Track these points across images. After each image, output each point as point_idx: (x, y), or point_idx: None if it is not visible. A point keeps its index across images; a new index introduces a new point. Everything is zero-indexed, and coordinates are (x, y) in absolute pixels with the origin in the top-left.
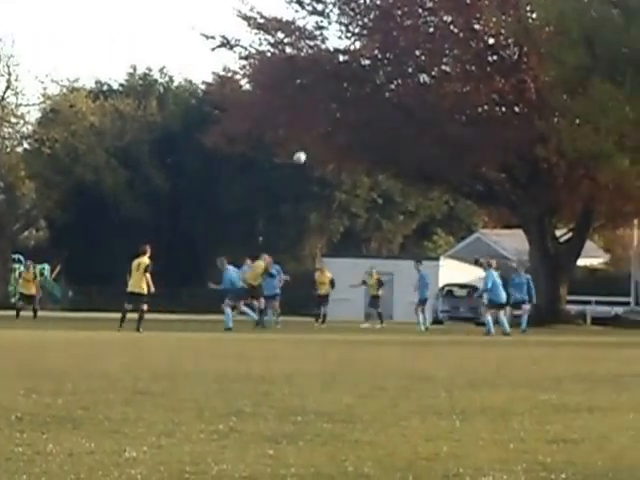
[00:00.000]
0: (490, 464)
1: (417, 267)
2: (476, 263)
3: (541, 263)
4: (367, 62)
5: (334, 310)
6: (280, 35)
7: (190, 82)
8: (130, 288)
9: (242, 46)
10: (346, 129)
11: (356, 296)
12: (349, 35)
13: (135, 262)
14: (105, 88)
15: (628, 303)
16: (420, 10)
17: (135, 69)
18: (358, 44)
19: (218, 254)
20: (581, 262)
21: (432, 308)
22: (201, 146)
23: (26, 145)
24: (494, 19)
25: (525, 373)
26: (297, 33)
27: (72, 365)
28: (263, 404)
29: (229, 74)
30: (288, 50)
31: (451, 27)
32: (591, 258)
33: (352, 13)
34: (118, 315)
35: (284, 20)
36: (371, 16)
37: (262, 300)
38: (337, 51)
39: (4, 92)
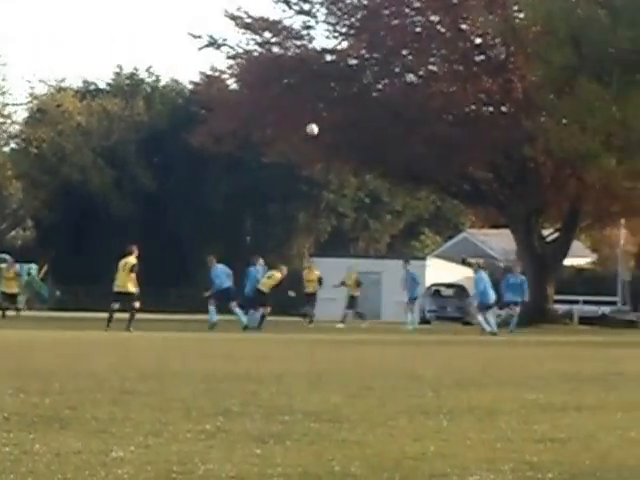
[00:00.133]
0: (477, 463)
1: (405, 266)
2: (463, 263)
3: (528, 263)
4: (354, 62)
5: (320, 310)
6: (267, 35)
7: (177, 82)
8: (116, 288)
9: (229, 46)
10: (333, 129)
11: (342, 296)
12: (336, 35)
13: (122, 262)
14: (92, 88)
15: (615, 303)
16: (407, 10)
17: (122, 69)
18: (345, 44)
19: (205, 254)
20: (568, 262)
21: (419, 308)
22: (188, 146)
23: (13, 145)
24: (481, 19)
25: (512, 372)
26: (284, 33)
27: (59, 365)
28: (251, 404)
29: (216, 74)
30: (275, 50)
31: (438, 27)
32: (578, 258)
33: (339, 13)
34: (106, 315)
35: (271, 20)
36: (358, 16)
37: (268, 308)
38: (324, 51)
39: None
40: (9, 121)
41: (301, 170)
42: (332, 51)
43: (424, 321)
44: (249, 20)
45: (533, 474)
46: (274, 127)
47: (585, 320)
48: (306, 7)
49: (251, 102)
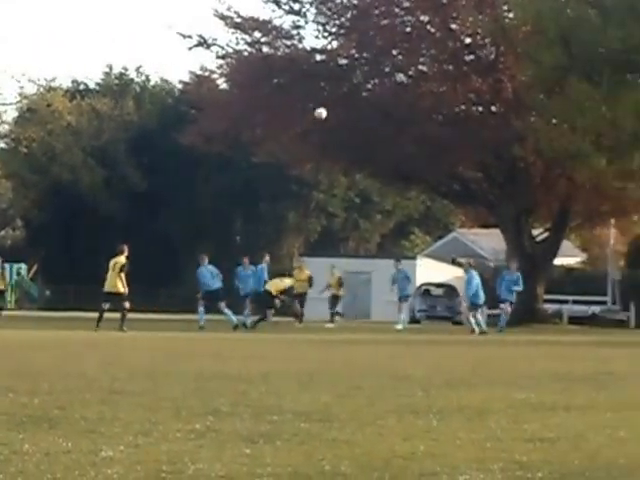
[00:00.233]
0: (467, 463)
1: (397, 265)
2: (453, 262)
3: (518, 262)
4: (344, 62)
5: (310, 309)
6: (257, 34)
7: (166, 81)
8: (106, 288)
9: (219, 45)
10: (323, 129)
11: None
12: (326, 35)
13: (112, 261)
14: (82, 87)
15: (605, 302)
16: (397, 10)
17: (111, 68)
18: (335, 44)
19: (195, 253)
20: (558, 261)
21: (409, 307)
22: (178, 145)
23: (3, 144)
24: (471, 19)
25: (502, 372)
26: (274, 32)
27: (48, 364)
28: (240, 403)
29: (206, 73)
30: (265, 49)
31: (428, 27)
32: (568, 257)
33: (329, 13)
34: (95, 315)
35: (261, 19)
36: (348, 16)
37: (273, 311)
38: (314, 50)
39: None
40: None
41: (291, 170)
42: (322, 51)
43: (414, 320)
44: (239, 20)
45: (523, 473)
46: (264, 127)
47: (575, 320)
48: (296, 7)
49: (241, 102)
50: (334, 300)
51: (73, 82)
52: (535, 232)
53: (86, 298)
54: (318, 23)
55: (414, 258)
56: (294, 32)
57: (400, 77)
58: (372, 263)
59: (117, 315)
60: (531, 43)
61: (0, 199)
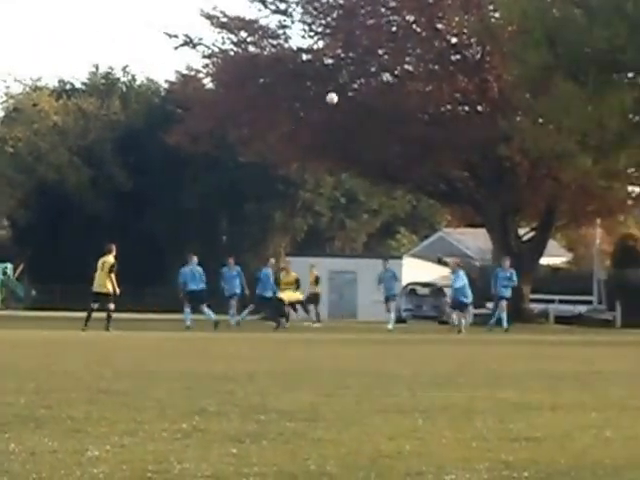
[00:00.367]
0: (453, 462)
1: (385, 265)
2: (439, 262)
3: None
4: (330, 61)
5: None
6: (243, 34)
7: (152, 81)
8: (95, 288)
9: (205, 45)
10: (309, 128)
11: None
12: (312, 34)
13: (100, 261)
14: (68, 87)
15: (591, 302)
16: (383, 9)
17: (97, 68)
18: (321, 43)
19: (181, 253)
20: (544, 261)
21: (395, 307)
22: (164, 145)
23: None
24: (457, 18)
25: (488, 372)
26: (260, 32)
27: (35, 364)
28: (226, 403)
29: (192, 73)
30: (251, 49)
31: (414, 26)
32: (554, 257)
33: (315, 12)
34: (81, 314)
35: (247, 19)
36: (334, 15)
37: (283, 320)
38: (300, 50)
39: None
40: None
41: (277, 169)
42: (308, 50)
43: (400, 320)
44: (225, 19)
45: (509, 473)
46: (250, 126)
47: (561, 319)
48: (282, 6)
49: (227, 101)
50: (314, 298)
51: (59, 82)
52: (521, 232)
53: (72, 298)
54: (304, 23)
55: (400, 258)
56: (280, 32)
57: (386, 77)
58: (358, 263)
59: (103, 315)
60: (517, 43)
61: None
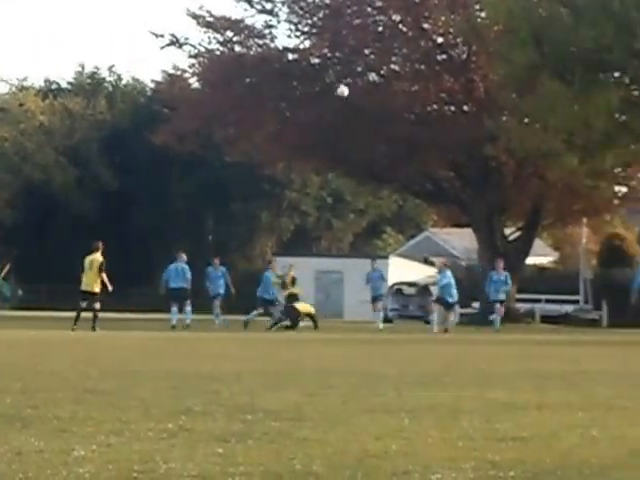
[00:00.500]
0: (439, 462)
1: (373, 265)
2: (425, 262)
3: (490, 262)
4: (316, 61)
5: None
6: (229, 34)
7: (138, 81)
8: (84, 287)
9: (191, 45)
10: (295, 128)
11: (306, 295)
12: (298, 34)
13: (88, 259)
14: (54, 87)
15: (577, 301)
16: (369, 9)
17: (83, 67)
18: (307, 43)
19: (168, 253)
20: (530, 260)
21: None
22: (150, 144)
23: None
24: (443, 18)
25: (474, 371)
26: (246, 32)
27: (21, 364)
28: (212, 403)
29: (178, 73)
30: (237, 49)
31: (400, 26)
32: (540, 256)
33: (301, 12)
34: (68, 314)
35: (233, 19)
36: (320, 15)
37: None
38: (286, 50)
39: None
40: None
41: (263, 169)
42: (294, 50)
43: (386, 320)
44: (211, 19)
45: (495, 473)
46: (236, 126)
47: (547, 319)
48: (268, 6)
49: (213, 101)
50: (292, 298)
51: (45, 81)
52: (507, 231)
53: (59, 297)
54: (290, 22)
55: (386, 257)
56: (266, 31)
57: (372, 76)
58: (345, 262)
59: (89, 315)
60: (503, 42)
61: None
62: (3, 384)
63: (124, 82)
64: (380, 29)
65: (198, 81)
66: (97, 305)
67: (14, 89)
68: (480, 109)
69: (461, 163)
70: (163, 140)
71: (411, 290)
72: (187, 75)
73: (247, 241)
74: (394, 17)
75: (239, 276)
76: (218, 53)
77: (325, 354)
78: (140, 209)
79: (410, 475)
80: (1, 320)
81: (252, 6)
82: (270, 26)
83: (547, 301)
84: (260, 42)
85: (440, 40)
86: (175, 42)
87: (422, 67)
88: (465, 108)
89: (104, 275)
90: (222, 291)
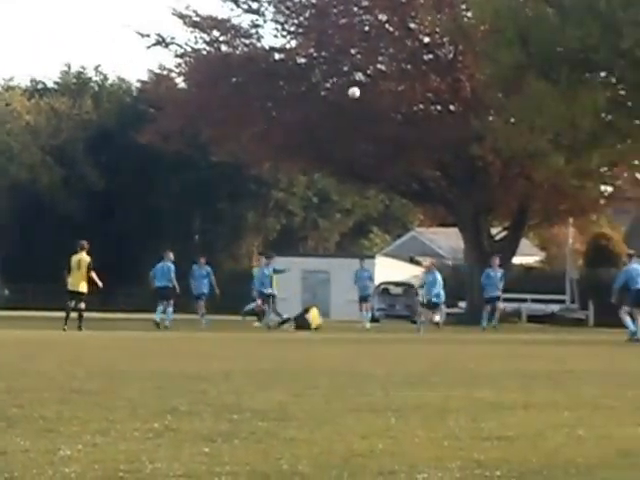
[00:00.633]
0: (425, 461)
1: (362, 264)
2: (412, 261)
3: (476, 261)
4: (303, 61)
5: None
6: (215, 33)
7: (124, 80)
8: (71, 287)
9: (177, 44)
10: (282, 128)
11: (293, 295)
12: (284, 34)
13: (74, 259)
14: (40, 87)
15: (563, 301)
16: (355, 9)
17: (69, 67)
18: (294, 42)
19: (155, 253)
20: (516, 260)
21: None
22: (137, 144)
23: None
24: (429, 18)
25: (461, 371)
26: (232, 31)
27: (7, 363)
28: (198, 402)
29: (164, 72)
30: (223, 48)
31: (386, 26)
32: (526, 256)
33: (287, 12)
34: (54, 314)
35: (219, 18)
36: (306, 15)
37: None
38: (272, 49)
39: None
40: None
41: (250, 169)
42: (280, 50)
43: (373, 319)
44: (197, 19)
45: (481, 472)
46: (222, 126)
47: (533, 318)
48: (254, 6)
49: (199, 101)
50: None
51: (31, 81)
52: (494, 231)
53: (45, 297)
54: (276, 22)
55: (373, 257)
56: (252, 31)
57: (359, 76)
58: (331, 262)
59: (75, 315)
60: (489, 42)
61: None
62: None
63: (110, 82)
64: (366, 29)
65: (184, 81)
66: (83, 305)
67: (0, 89)
68: (466, 109)
69: (447, 163)
70: (149, 140)
71: (398, 290)
72: (173, 75)
73: (233, 241)
74: (380, 17)
75: (225, 276)
76: (204, 53)
77: (312, 354)
78: (126, 209)
79: (396, 474)
80: None
81: (238, 6)
82: (256, 26)
83: (533, 301)
84: (246, 42)
85: (426, 40)
86: (161, 42)
87: (408, 67)
88: (451, 108)
89: (93, 274)
90: (206, 291)
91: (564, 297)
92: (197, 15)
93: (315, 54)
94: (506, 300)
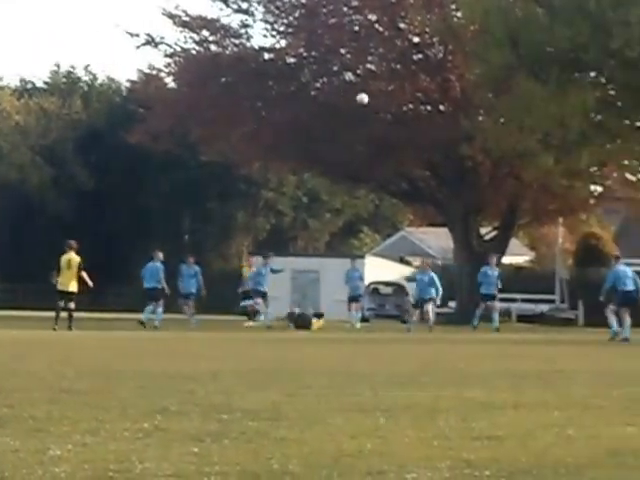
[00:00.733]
0: (415, 461)
1: (353, 264)
2: (402, 261)
3: (466, 261)
4: (292, 60)
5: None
6: (205, 33)
7: (114, 80)
8: (61, 287)
9: (167, 44)
10: (271, 127)
11: (283, 294)
12: (274, 33)
13: (64, 259)
14: (29, 86)
15: (553, 301)
16: (345, 9)
17: (59, 67)
18: (283, 42)
19: (145, 252)
20: (506, 260)
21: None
22: (126, 144)
23: None
24: (419, 18)
25: (451, 371)
26: (222, 31)
27: None
28: (188, 402)
29: (154, 72)
30: (213, 48)
31: (376, 26)
32: (516, 256)
33: (277, 11)
34: (44, 313)
35: (209, 18)
36: (296, 14)
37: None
38: (262, 49)
39: None
40: None
41: (239, 169)
42: (270, 50)
43: (363, 319)
44: (187, 18)
45: (470, 472)
46: (212, 126)
47: (523, 318)
48: (244, 5)
49: (189, 100)
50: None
51: (21, 81)
52: (483, 231)
53: (35, 297)
54: (266, 22)
55: (363, 257)
56: (242, 31)
57: (348, 76)
58: (321, 262)
59: (65, 314)
60: (479, 42)
61: None
62: None
63: (100, 81)
64: (356, 29)
65: (174, 80)
66: (72, 305)
67: None
68: (456, 109)
69: (437, 163)
70: (138, 140)
71: (388, 290)
72: (163, 75)
73: (223, 240)
74: (370, 16)
75: (215, 275)
76: (194, 52)
77: (302, 353)
78: (116, 209)
79: (385, 474)
80: None
81: (228, 5)
82: (246, 25)
83: (523, 300)
84: (236, 41)
85: (416, 40)
86: (151, 41)
87: (398, 67)
88: (441, 108)
89: (84, 273)
90: (194, 290)
91: (554, 297)
92: (187, 15)
93: (305, 54)
94: None
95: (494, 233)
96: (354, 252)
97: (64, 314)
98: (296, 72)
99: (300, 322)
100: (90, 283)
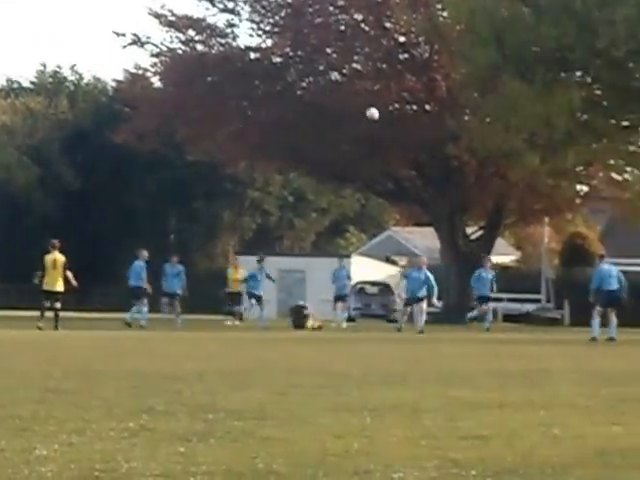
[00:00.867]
0: (401, 461)
1: (340, 264)
2: (387, 260)
3: (452, 261)
4: (278, 60)
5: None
6: (191, 33)
7: (100, 80)
8: (47, 286)
9: (153, 44)
10: (257, 127)
11: (271, 295)
12: (260, 33)
13: (49, 258)
14: (15, 86)
15: (539, 300)
16: (331, 8)
17: (45, 67)
18: (269, 42)
19: (131, 252)
20: (492, 259)
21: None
22: (112, 144)
23: None
24: (405, 17)
25: (437, 370)
26: (208, 31)
27: None
28: (174, 402)
29: (140, 72)
30: (199, 48)
31: (362, 25)
32: (502, 256)
33: (263, 11)
34: (29, 313)
35: (195, 18)
36: (282, 14)
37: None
38: (248, 49)
39: None
40: None
41: (225, 168)
42: (256, 49)
43: (349, 319)
44: (173, 18)
45: (457, 471)
46: (198, 125)
47: (509, 318)
48: (230, 5)
49: (175, 100)
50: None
51: (7, 81)
52: (469, 230)
53: (22, 297)
54: (252, 21)
55: (349, 256)
56: (228, 30)
57: (334, 75)
58: (307, 261)
59: (50, 314)
60: (465, 42)
61: None
62: None
63: (86, 81)
64: (342, 28)
65: (160, 80)
66: (59, 304)
67: None
68: (442, 108)
69: (423, 162)
70: (124, 139)
71: (374, 289)
72: (149, 74)
73: (209, 240)
74: (356, 16)
75: (201, 275)
76: (180, 52)
77: (288, 353)
78: (102, 208)
79: (371, 474)
80: None
81: (214, 5)
82: (232, 25)
83: (509, 300)
84: (222, 41)
85: (402, 39)
86: (137, 41)
87: (384, 66)
88: (427, 107)
89: (69, 273)
90: (179, 290)
91: (540, 296)
92: (173, 14)
93: (291, 53)
94: None
95: (480, 233)
96: (340, 252)
97: (50, 314)
98: (282, 72)
99: (297, 322)
100: (74, 282)
